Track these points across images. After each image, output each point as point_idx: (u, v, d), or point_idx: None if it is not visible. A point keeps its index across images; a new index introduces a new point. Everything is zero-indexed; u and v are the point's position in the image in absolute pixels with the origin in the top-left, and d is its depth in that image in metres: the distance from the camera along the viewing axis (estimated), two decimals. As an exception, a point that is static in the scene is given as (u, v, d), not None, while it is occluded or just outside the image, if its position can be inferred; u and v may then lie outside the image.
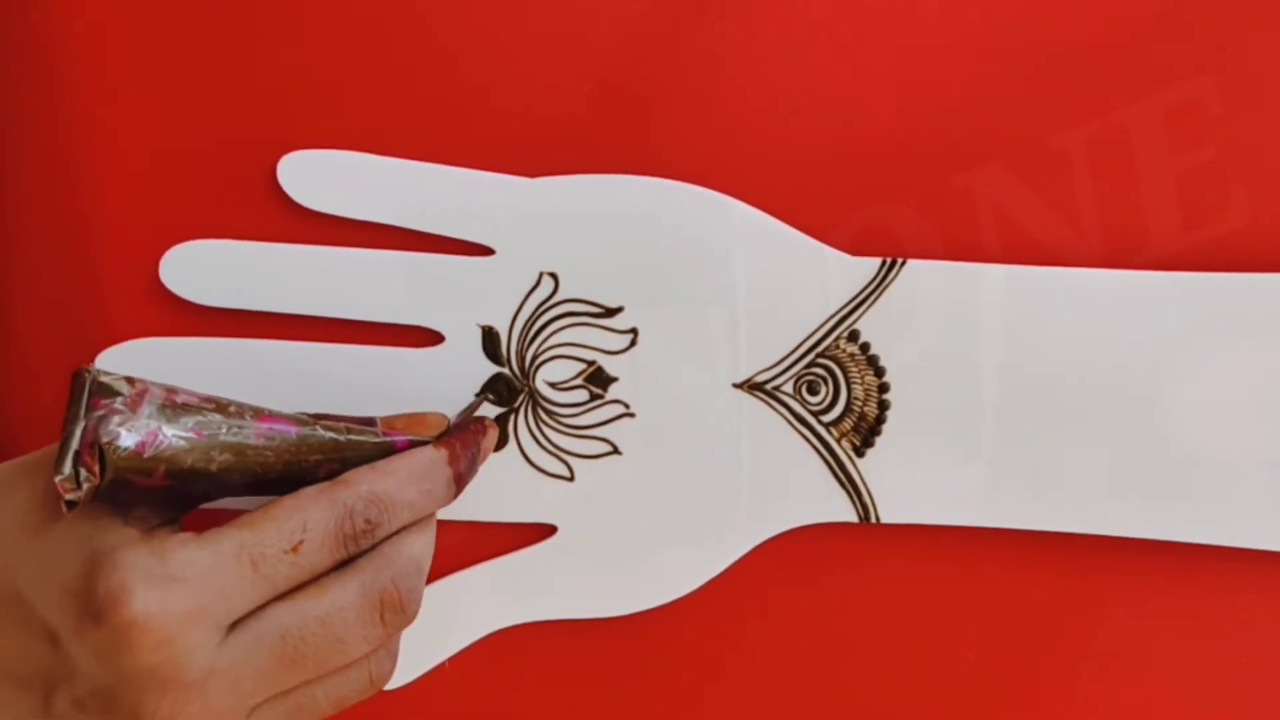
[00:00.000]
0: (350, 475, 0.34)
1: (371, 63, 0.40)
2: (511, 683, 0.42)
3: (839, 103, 0.40)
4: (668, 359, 0.41)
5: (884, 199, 0.40)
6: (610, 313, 0.41)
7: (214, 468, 0.33)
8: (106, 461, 0.32)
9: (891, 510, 0.41)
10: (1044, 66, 0.40)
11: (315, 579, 0.33)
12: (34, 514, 0.33)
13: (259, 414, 0.34)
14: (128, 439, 0.32)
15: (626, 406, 0.41)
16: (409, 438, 0.36)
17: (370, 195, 0.40)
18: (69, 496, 0.31)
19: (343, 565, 0.34)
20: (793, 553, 0.41)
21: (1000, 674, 0.42)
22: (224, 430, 0.34)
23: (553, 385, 0.41)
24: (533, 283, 0.40)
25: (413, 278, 0.40)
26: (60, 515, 0.32)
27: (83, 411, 0.32)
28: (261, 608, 0.33)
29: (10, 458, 0.42)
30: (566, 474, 0.41)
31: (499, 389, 0.41)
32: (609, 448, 0.41)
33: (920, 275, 0.40)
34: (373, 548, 0.34)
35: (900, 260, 0.40)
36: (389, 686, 0.36)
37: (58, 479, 0.31)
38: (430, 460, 0.36)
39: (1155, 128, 0.40)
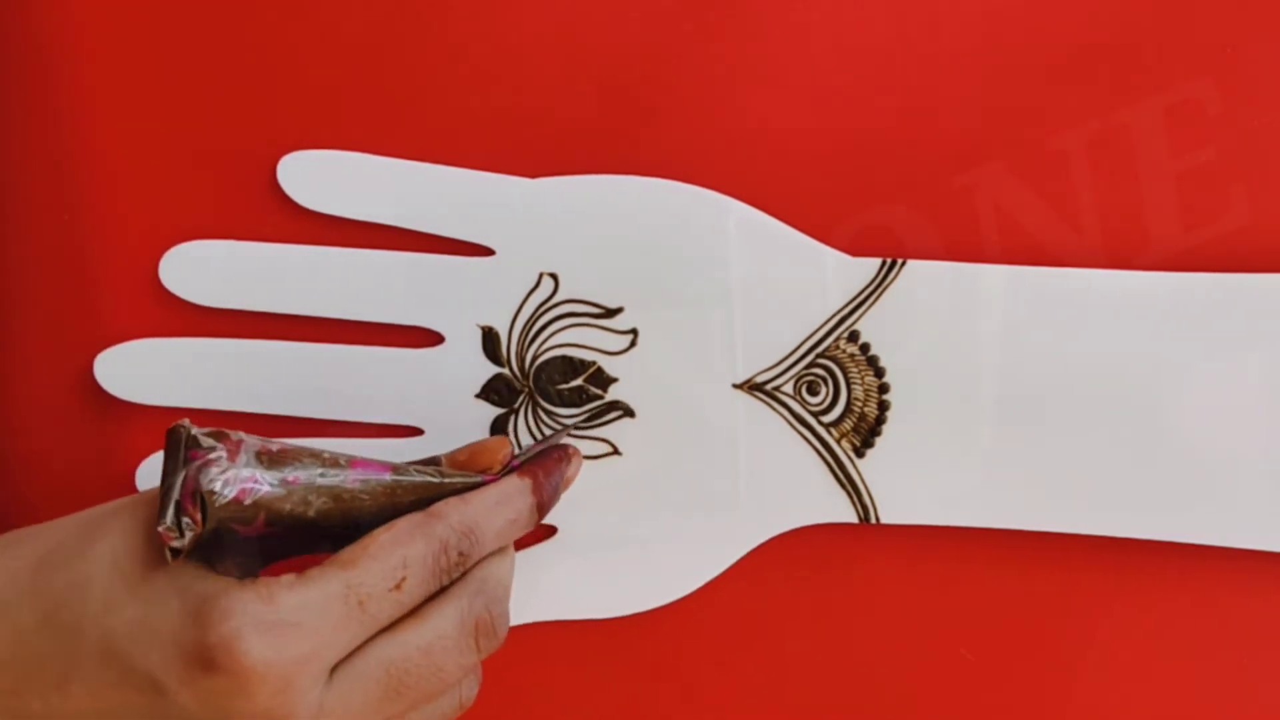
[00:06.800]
0: (441, 507, 0.34)
1: (371, 63, 0.40)
2: (512, 683, 0.42)
3: (839, 103, 0.40)
4: (668, 360, 0.41)
5: (884, 199, 0.40)
6: (610, 313, 0.40)
7: (312, 513, 0.34)
8: (208, 509, 0.32)
9: (891, 511, 0.41)
10: (1044, 66, 0.40)
11: (411, 610, 0.34)
12: (125, 563, 0.32)
13: (352, 461, 0.34)
14: (228, 487, 0.32)
15: (627, 407, 0.41)
16: (497, 474, 0.36)
17: (370, 196, 0.40)
18: (174, 544, 0.31)
19: (436, 593, 0.34)
20: (793, 553, 0.41)
21: (999, 674, 0.42)
22: (319, 476, 0.34)
23: (553, 386, 0.41)
24: (533, 283, 0.40)
25: (413, 278, 0.40)
26: (155, 565, 0.32)
27: (181, 462, 0.32)
28: (364, 643, 0.33)
29: (8, 458, 0.42)
30: (567, 474, 0.41)
31: (499, 389, 0.41)
32: (609, 448, 0.41)
33: (920, 276, 0.40)
34: (463, 574, 0.35)
35: (900, 260, 0.40)
36: None
37: (161, 528, 0.31)
38: (516, 489, 0.36)
39: (1155, 128, 0.40)
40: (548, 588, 0.41)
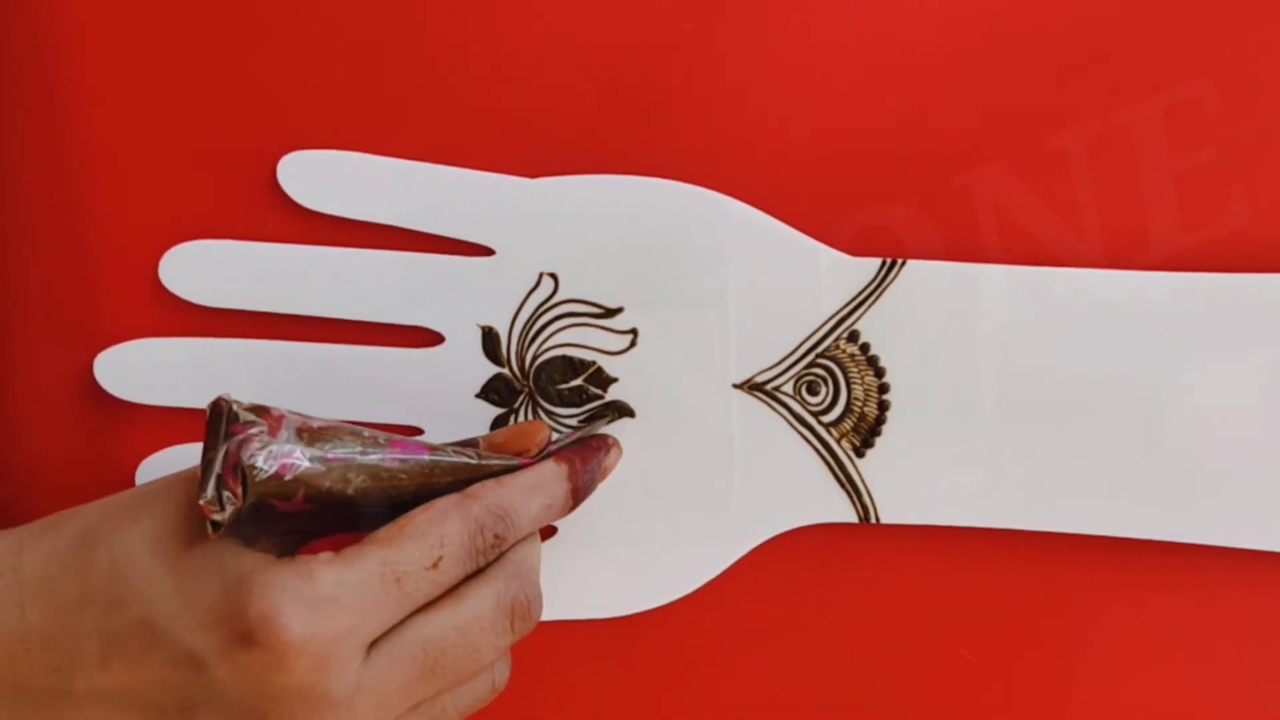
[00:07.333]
0: (478, 489, 0.35)
1: (371, 63, 0.40)
2: (511, 683, 0.42)
3: (839, 103, 0.40)
4: (668, 360, 0.41)
5: (884, 199, 0.40)
6: (610, 313, 0.41)
7: (351, 490, 0.34)
8: (249, 483, 0.32)
9: (891, 511, 0.41)
10: (1044, 66, 0.40)
11: (448, 590, 0.34)
12: (165, 540, 0.33)
13: (391, 440, 0.35)
14: (268, 462, 0.32)
15: (627, 407, 0.41)
16: (534, 458, 0.37)
17: (370, 195, 0.40)
18: (214, 517, 0.31)
19: (471, 575, 0.34)
20: (793, 553, 0.41)
21: (999, 674, 0.42)
22: (359, 454, 0.34)
23: (553, 386, 0.41)
24: (533, 283, 0.41)
25: (413, 278, 0.40)
26: (195, 542, 0.32)
27: (223, 436, 0.33)
28: (401, 622, 0.33)
29: (10, 457, 0.42)
30: (566, 474, 0.41)
31: (499, 389, 0.41)
32: (609, 448, 0.41)
33: (920, 275, 0.40)
34: (499, 557, 0.35)
35: (900, 260, 0.40)
36: None
37: (202, 501, 0.31)
38: (552, 475, 0.36)
39: (1155, 128, 0.40)
40: (547, 587, 0.41)
